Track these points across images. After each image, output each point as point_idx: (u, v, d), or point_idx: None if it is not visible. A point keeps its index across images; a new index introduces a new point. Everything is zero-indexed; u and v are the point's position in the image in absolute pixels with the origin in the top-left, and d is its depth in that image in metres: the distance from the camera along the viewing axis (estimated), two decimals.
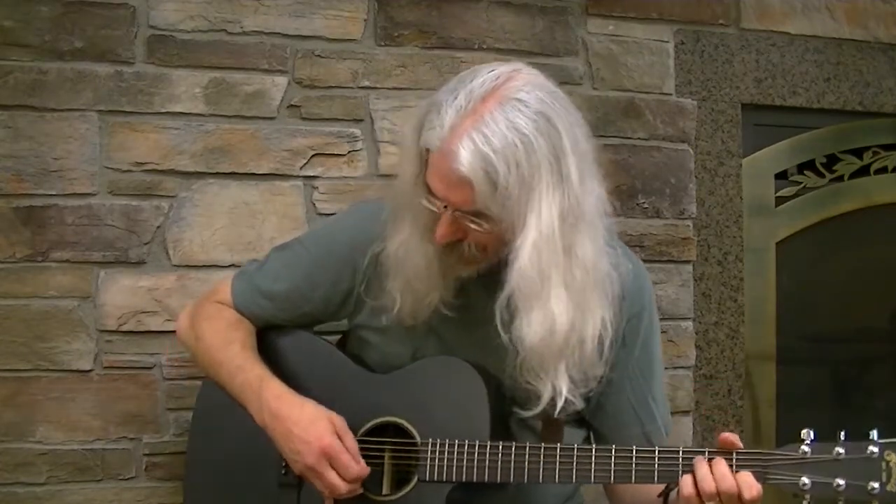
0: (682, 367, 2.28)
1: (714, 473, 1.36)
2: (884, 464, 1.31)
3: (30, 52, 1.95)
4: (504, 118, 1.36)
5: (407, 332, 1.62)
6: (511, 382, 1.50)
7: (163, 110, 2.01)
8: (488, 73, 1.40)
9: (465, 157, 1.35)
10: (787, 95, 2.38)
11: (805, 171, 2.46)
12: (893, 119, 2.48)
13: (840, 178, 2.48)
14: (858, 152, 2.49)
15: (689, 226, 2.30)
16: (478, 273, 1.51)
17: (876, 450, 1.32)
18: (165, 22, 2.01)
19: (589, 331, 1.46)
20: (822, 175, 2.47)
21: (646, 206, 2.27)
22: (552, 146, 1.38)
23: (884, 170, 2.51)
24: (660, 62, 2.28)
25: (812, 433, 1.36)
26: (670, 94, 2.29)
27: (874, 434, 1.33)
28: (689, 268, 2.30)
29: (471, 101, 1.37)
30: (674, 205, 2.29)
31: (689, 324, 2.30)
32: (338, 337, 1.81)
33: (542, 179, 1.38)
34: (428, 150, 1.41)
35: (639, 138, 2.26)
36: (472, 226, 1.42)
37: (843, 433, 1.35)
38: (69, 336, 1.97)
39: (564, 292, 1.43)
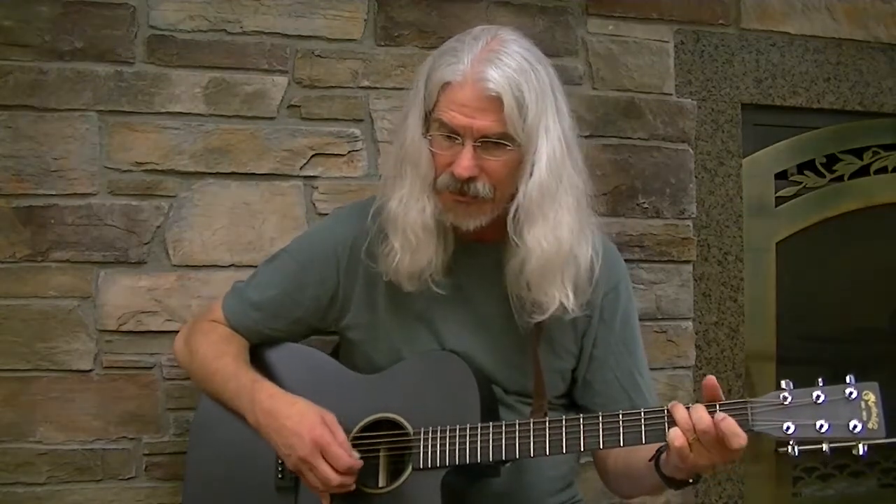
0: (682, 367, 2.29)
1: (692, 416, 1.38)
2: (863, 403, 1.34)
3: (30, 52, 1.95)
4: (514, 50, 1.52)
5: (397, 324, 1.65)
6: (518, 294, 1.57)
7: (163, 110, 2.01)
8: (483, 27, 1.57)
9: (494, 76, 1.48)
10: (787, 95, 2.38)
11: (805, 171, 2.46)
12: (893, 119, 2.48)
13: (840, 178, 2.49)
14: (858, 152, 2.49)
15: (689, 226, 2.30)
16: (472, 244, 1.58)
17: (854, 391, 1.35)
18: (165, 22, 2.01)
19: (582, 251, 1.57)
20: (822, 175, 2.47)
21: (646, 206, 2.27)
22: (549, 76, 1.55)
23: (884, 170, 2.51)
24: (660, 62, 2.28)
25: (791, 382, 1.39)
26: (670, 94, 2.29)
27: (850, 377, 1.36)
28: (689, 268, 2.30)
29: (480, 43, 1.52)
30: (674, 205, 2.29)
31: (689, 324, 2.30)
32: (329, 346, 1.83)
33: (548, 103, 1.52)
34: (444, 88, 1.50)
35: (639, 138, 2.26)
36: (492, 157, 1.50)
37: (820, 379, 1.38)
38: (69, 336, 1.97)
39: (572, 209, 1.55)
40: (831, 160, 2.48)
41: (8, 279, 1.94)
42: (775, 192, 2.43)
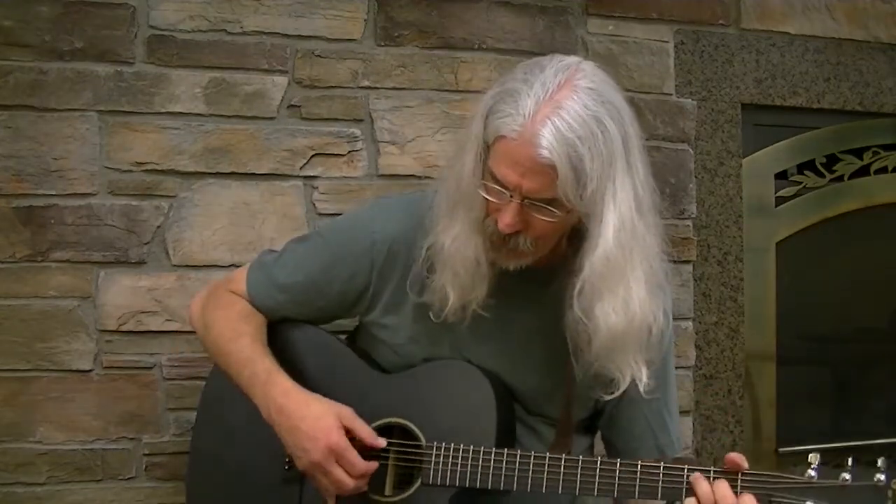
0: (682, 367, 2.28)
1: (715, 493, 1.35)
2: (890, 492, 1.30)
3: (30, 52, 1.95)
4: (582, 105, 1.37)
5: (422, 332, 1.62)
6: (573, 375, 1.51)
7: (163, 110, 2.01)
8: (559, 63, 1.42)
9: (550, 142, 1.35)
10: (787, 95, 2.38)
11: (805, 171, 2.46)
12: (893, 119, 2.48)
13: (840, 178, 2.48)
14: (858, 152, 2.49)
15: (689, 226, 2.30)
16: (519, 269, 1.50)
17: (883, 478, 1.30)
18: (165, 22, 2.01)
19: (654, 318, 1.48)
20: (822, 175, 2.47)
21: None
22: (623, 135, 1.41)
23: (884, 170, 2.51)
24: (660, 62, 2.28)
25: (819, 457, 1.35)
26: (670, 94, 2.29)
27: (882, 462, 1.32)
28: (689, 268, 2.30)
29: (547, 90, 1.38)
30: (674, 205, 2.29)
31: (689, 324, 2.30)
32: (346, 333, 1.81)
33: (618, 168, 1.40)
34: (498, 139, 1.40)
35: None
36: (540, 215, 1.41)
37: (850, 459, 1.33)
38: (69, 336, 1.97)
39: (642, 279, 1.45)
40: (831, 160, 2.48)
41: (8, 279, 1.94)
42: (775, 192, 2.43)
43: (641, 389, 1.48)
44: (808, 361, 2.50)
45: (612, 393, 1.49)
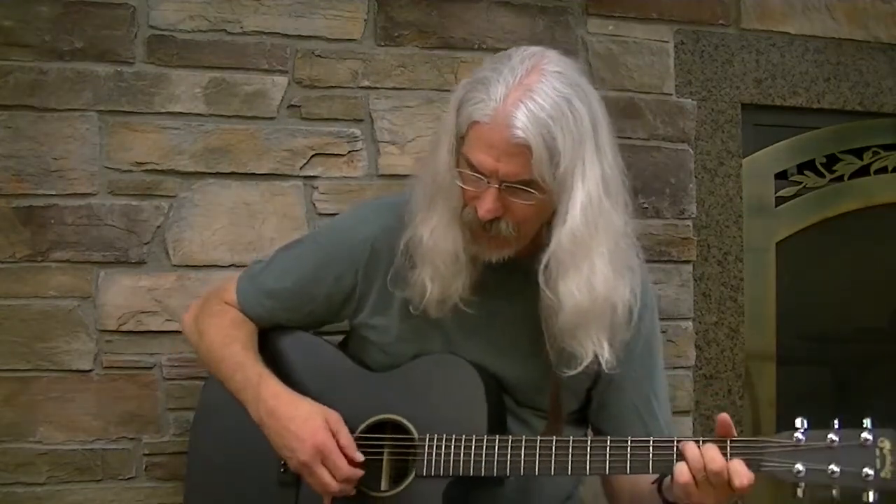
0: (682, 367, 2.28)
1: (704, 456, 1.36)
2: (877, 451, 1.31)
3: (30, 52, 1.95)
4: (552, 87, 1.42)
5: (410, 330, 1.63)
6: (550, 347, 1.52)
7: (163, 110, 2.01)
8: (524, 52, 1.47)
9: (524, 123, 1.39)
10: (787, 95, 2.38)
11: (805, 171, 2.46)
12: (893, 119, 2.47)
13: (840, 178, 2.48)
14: (858, 152, 2.49)
15: (689, 226, 2.30)
16: (501, 261, 1.52)
17: (869, 437, 1.32)
18: (165, 22, 2.01)
19: (619, 296, 1.50)
20: (822, 175, 2.47)
21: (646, 206, 2.26)
22: (591, 116, 1.45)
23: (884, 170, 2.51)
24: (660, 62, 2.28)
25: (806, 421, 1.37)
26: (670, 94, 2.29)
27: (867, 422, 1.34)
28: (689, 268, 2.30)
29: (517, 75, 1.42)
30: (674, 205, 2.29)
31: (689, 324, 2.30)
32: (340, 337, 1.81)
33: (587, 147, 1.44)
34: (472, 125, 1.43)
35: (639, 138, 2.26)
36: (517, 199, 1.44)
37: (836, 421, 1.36)
38: (69, 336, 1.97)
39: (606, 257, 1.48)
40: (831, 160, 2.48)
41: (8, 279, 1.94)
42: (775, 192, 2.43)
43: (604, 366, 1.50)
44: (808, 361, 2.50)
45: (575, 369, 1.50)
